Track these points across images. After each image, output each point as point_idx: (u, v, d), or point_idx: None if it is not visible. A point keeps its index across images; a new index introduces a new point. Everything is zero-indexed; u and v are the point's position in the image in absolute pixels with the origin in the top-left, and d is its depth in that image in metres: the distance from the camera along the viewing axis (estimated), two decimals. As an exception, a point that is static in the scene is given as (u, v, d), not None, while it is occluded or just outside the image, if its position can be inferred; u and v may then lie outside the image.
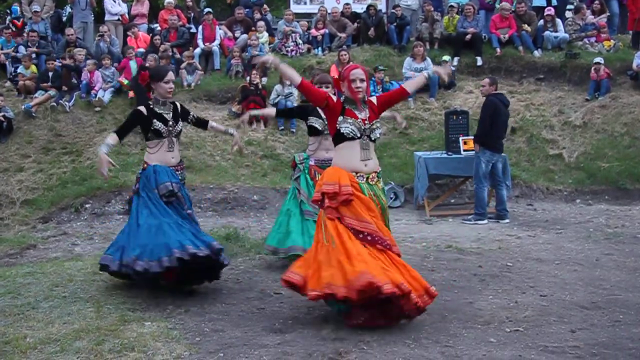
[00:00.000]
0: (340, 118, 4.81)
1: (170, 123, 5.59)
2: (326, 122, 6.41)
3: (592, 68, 12.49)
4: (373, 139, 4.87)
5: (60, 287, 5.73)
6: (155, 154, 5.59)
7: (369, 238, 4.66)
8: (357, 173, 4.79)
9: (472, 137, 9.45)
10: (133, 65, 12.43)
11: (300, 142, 11.72)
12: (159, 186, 5.45)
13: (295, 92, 12.25)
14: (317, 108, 6.28)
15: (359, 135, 4.80)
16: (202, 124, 6.05)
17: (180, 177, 5.68)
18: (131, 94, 12.16)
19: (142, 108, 5.61)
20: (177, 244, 5.19)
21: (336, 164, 4.89)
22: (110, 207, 10.17)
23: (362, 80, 4.84)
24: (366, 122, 4.84)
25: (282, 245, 6.35)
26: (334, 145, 4.96)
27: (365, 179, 4.81)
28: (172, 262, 5.13)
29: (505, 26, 13.67)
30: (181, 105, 5.89)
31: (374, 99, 5.04)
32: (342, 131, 4.80)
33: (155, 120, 5.51)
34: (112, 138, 5.55)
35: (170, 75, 5.65)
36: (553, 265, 6.59)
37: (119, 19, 14.40)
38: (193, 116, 5.92)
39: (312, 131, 6.50)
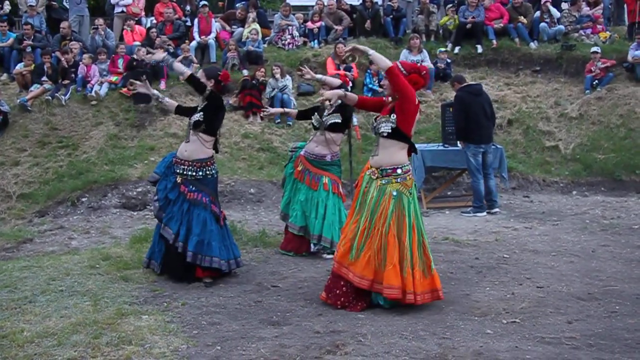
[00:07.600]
0: None
1: (193, 115, 5.74)
2: (322, 120, 6.70)
3: (591, 60, 12.48)
4: (378, 132, 4.97)
5: (57, 281, 5.72)
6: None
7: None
8: (371, 166, 5.03)
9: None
10: (120, 64, 12.41)
11: (297, 134, 11.71)
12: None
13: (290, 85, 12.22)
14: (320, 107, 6.68)
15: (372, 130, 5.08)
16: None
17: (188, 173, 5.68)
18: (124, 90, 12.08)
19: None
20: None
21: None
22: (106, 200, 10.14)
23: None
24: (377, 117, 5.00)
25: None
26: None
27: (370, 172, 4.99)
28: None
29: (497, 16, 13.66)
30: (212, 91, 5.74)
31: None
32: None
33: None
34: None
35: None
36: (549, 257, 6.61)
37: (122, 11, 14.25)
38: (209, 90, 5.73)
39: (313, 126, 6.93)
